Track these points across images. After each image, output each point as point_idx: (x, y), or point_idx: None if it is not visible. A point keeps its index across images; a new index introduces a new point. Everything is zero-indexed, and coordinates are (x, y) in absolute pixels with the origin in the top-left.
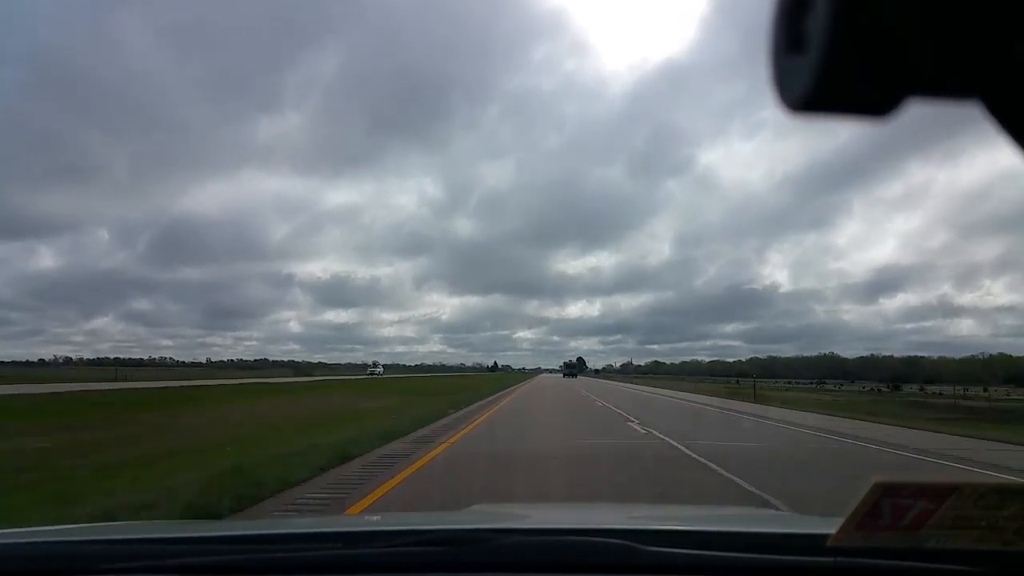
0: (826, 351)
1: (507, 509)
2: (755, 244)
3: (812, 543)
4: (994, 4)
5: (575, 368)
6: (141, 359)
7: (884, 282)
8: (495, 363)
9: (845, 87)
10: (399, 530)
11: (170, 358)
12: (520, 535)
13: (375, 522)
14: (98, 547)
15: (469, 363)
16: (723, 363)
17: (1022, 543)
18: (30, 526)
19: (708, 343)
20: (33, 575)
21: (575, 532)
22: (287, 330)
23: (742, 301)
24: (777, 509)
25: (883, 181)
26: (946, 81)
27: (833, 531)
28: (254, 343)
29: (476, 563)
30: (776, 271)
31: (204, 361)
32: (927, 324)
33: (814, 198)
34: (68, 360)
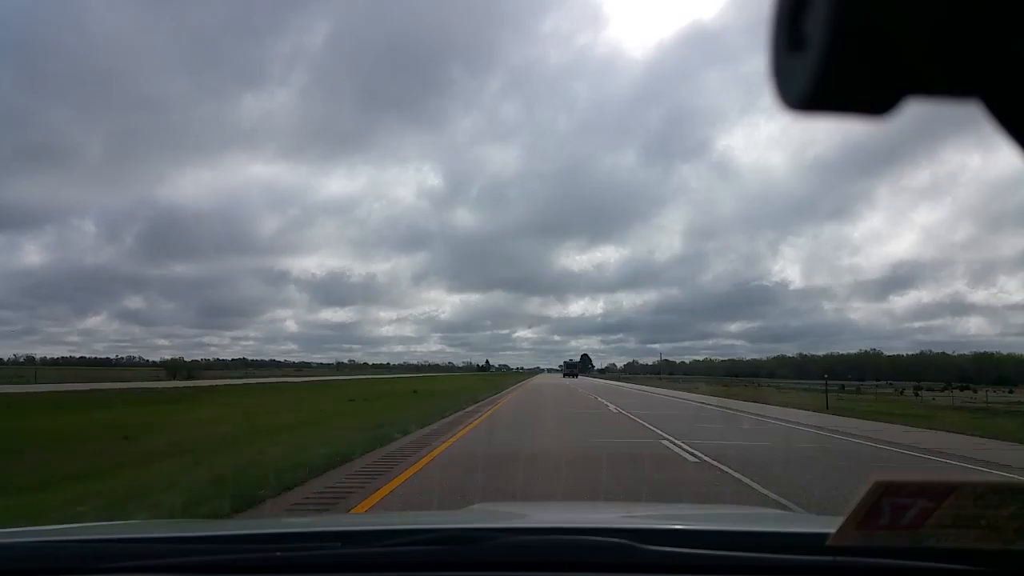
0: (868, 348)
1: (507, 508)
2: (769, 237)
3: (812, 543)
4: (994, 4)
5: (576, 368)
6: (108, 359)
7: (898, 278)
8: (487, 362)
9: (845, 86)
10: (399, 529)
11: (139, 357)
12: (520, 534)
13: (375, 521)
14: (98, 547)
15: (471, 363)
16: (741, 362)
17: (1022, 542)
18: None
19: (711, 342)
20: (33, 575)
21: (575, 531)
22: (283, 329)
23: (750, 298)
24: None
25: (912, 168)
26: (946, 81)
27: (833, 531)
28: (251, 343)
29: (476, 562)
30: (788, 266)
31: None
32: (935, 323)
33: (837, 186)
34: (30, 359)
